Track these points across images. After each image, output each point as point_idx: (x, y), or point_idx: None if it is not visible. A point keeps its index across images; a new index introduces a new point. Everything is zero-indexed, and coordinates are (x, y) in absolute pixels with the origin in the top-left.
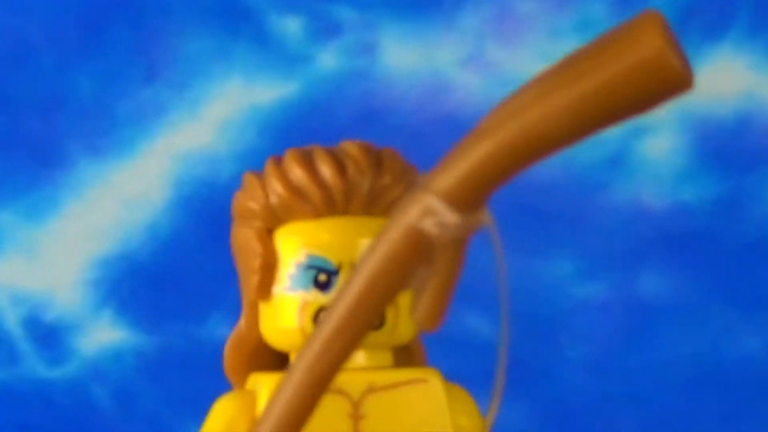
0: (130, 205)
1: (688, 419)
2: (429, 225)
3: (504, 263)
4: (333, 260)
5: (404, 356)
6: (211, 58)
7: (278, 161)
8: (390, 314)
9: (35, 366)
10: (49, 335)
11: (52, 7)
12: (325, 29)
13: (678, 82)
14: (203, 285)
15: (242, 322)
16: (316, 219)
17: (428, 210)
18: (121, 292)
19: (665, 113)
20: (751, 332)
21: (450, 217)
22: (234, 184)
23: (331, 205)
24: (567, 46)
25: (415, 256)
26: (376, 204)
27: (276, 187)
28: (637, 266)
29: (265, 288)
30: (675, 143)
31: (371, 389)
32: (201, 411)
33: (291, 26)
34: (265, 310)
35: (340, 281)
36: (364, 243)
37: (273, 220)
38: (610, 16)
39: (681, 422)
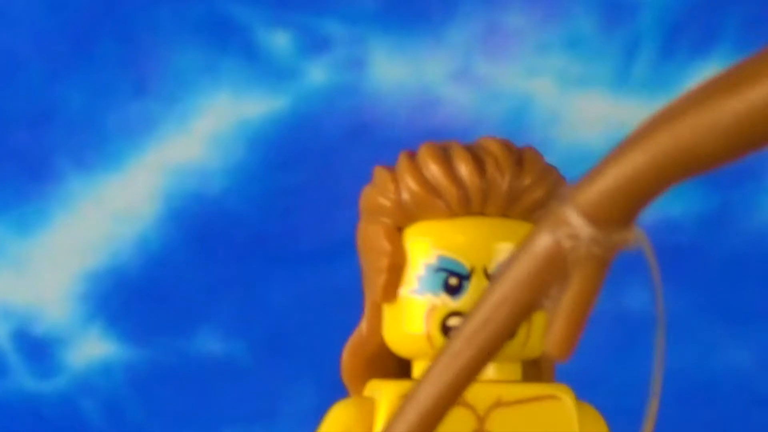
0: (119, 219)
1: None
2: (562, 236)
3: (661, 290)
4: (465, 263)
5: (533, 370)
6: (200, 72)
7: (412, 156)
8: (523, 326)
9: (24, 379)
10: (37, 349)
11: (41, 20)
12: (313, 44)
13: None
14: (192, 299)
15: (363, 324)
16: (449, 218)
17: (562, 221)
18: (111, 305)
19: None
20: (739, 346)
21: (584, 230)
22: (223, 197)
23: (467, 204)
24: (555, 60)
25: (546, 268)
26: (515, 206)
27: (409, 183)
28: (624, 280)
29: (391, 289)
30: None
31: (498, 403)
32: (190, 425)
33: (280, 40)
34: (389, 313)
35: (471, 286)
36: (500, 247)
37: (404, 217)
38: (599, 31)
39: None
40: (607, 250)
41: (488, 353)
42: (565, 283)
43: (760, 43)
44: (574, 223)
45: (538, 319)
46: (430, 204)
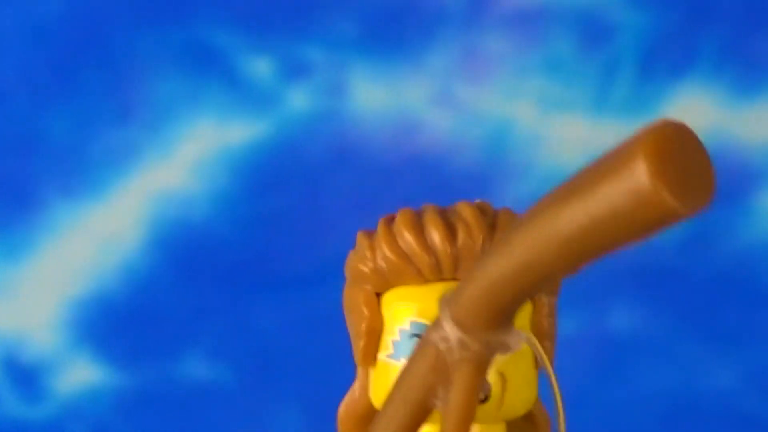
0: (104, 246)
1: None
2: (437, 339)
3: (557, 384)
4: None
5: (528, 428)
6: (183, 99)
7: (390, 223)
8: (495, 388)
9: (12, 406)
10: (25, 375)
11: (24, 49)
12: (294, 69)
13: (675, 214)
14: (178, 324)
15: (355, 385)
16: (423, 284)
17: (438, 324)
18: (97, 331)
19: None
20: (722, 366)
21: (452, 333)
22: (207, 223)
23: (439, 271)
24: (535, 84)
25: (429, 369)
26: None
27: (385, 251)
28: (608, 301)
29: (370, 353)
30: None
31: None
32: None
33: (261, 67)
34: (373, 376)
35: None
36: None
37: (381, 283)
38: (577, 54)
39: None
40: (478, 353)
41: None
42: (446, 382)
43: (736, 66)
44: (445, 327)
45: (513, 380)
46: (404, 271)
